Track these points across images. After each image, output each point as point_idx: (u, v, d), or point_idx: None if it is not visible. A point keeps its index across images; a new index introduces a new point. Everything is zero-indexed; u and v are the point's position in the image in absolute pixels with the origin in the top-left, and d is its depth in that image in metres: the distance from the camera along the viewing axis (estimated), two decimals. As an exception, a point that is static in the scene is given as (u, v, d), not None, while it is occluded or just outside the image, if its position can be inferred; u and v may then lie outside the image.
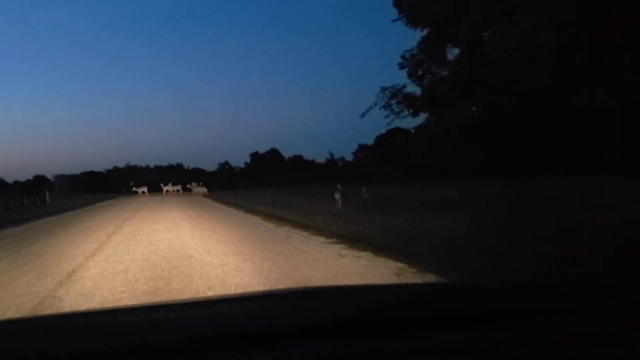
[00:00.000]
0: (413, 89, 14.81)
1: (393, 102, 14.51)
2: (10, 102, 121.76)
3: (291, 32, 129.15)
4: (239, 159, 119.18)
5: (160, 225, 12.90)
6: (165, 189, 48.63)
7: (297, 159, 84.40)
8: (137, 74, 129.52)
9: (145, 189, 48.98)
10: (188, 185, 50.85)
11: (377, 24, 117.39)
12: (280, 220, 13.73)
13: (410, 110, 14.54)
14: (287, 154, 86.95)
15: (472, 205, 14.82)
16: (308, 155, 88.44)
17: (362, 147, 77.95)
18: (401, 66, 14.36)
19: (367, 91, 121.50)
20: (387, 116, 15.01)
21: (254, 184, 62.33)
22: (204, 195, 46.25)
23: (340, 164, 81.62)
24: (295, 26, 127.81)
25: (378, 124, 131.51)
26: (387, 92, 14.59)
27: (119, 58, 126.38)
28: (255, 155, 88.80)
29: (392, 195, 22.88)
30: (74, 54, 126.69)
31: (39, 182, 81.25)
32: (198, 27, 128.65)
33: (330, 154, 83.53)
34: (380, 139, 66.19)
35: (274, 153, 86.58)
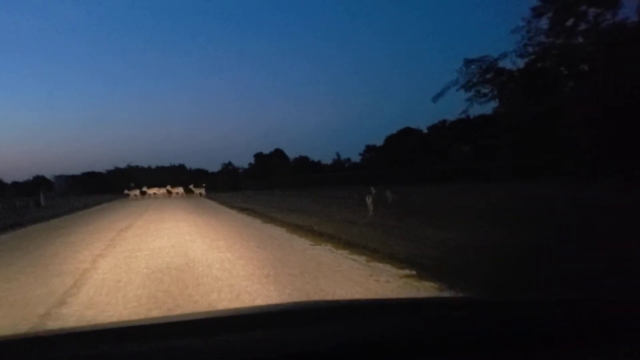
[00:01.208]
0: (506, 63, 11.43)
1: (477, 79, 11.47)
2: (12, 101, 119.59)
3: (298, 32, 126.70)
4: (243, 160, 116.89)
5: (164, 241, 10.22)
6: (150, 192, 45.54)
7: (303, 160, 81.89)
8: (141, 73, 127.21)
9: (137, 192, 46.15)
10: (167, 188, 48.45)
11: (384, 24, 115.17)
12: (311, 233, 11.08)
13: (494, 92, 11.42)
14: (292, 154, 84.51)
15: (532, 211, 12.17)
16: (314, 157, 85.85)
17: (369, 148, 75.41)
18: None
19: (375, 90, 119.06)
20: (469, 99, 11.90)
21: (259, 185, 59.95)
22: (201, 195, 44.03)
23: (347, 165, 79.28)
24: (302, 26, 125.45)
25: (386, 123, 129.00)
26: (472, 67, 11.60)
27: (122, 58, 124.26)
28: (259, 156, 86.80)
29: (419, 200, 20.25)
30: (77, 53, 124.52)
31: (38, 183, 79.33)
32: (202, 27, 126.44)
33: (337, 155, 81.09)
34: (390, 139, 63.48)
35: (278, 154, 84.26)
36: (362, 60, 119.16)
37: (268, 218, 15.64)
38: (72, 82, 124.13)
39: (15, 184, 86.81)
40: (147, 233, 12.11)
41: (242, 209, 21.46)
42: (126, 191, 46.39)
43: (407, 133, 58.41)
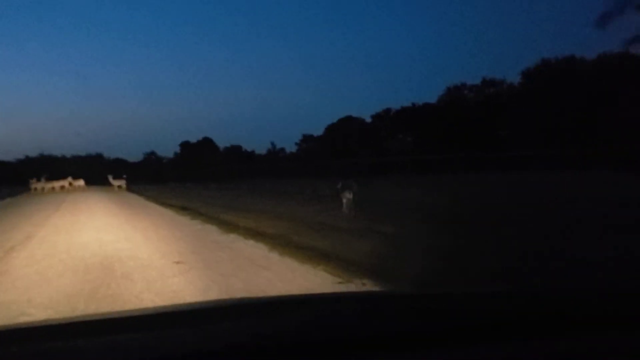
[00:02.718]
0: None
1: None
2: None
3: (227, 14, 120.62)
4: (168, 149, 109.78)
5: (78, 279, 6.18)
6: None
7: (235, 150, 77.14)
8: (52, 54, 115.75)
9: (51, 185, 39.47)
10: (69, 180, 41.98)
11: (322, 6, 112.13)
12: (303, 251, 7.63)
13: None
14: (222, 143, 79.49)
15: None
16: (247, 146, 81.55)
17: (307, 138, 72.23)
18: None
19: (311, 76, 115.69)
20: None
21: (187, 177, 54.84)
22: (120, 188, 38.74)
23: (281, 155, 75.81)
24: (233, 7, 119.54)
25: (326, 112, 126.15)
26: None
27: (27, 37, 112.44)
28: (185, 145, 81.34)
29: (387, 196, 17.19)
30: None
31: None
32: (116, 11, 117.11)
33: (272, 144, 77.16)
34: (330, 128, 60.36)
35: (207, 142, 79.22)
36: (299, 44, 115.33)
37: (224, 224, 11.83)
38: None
39: None
40: (52, 255, 7.93)
41: (180, 209, 17.34)
42: (30, 182, 38.83)
43: (348, 122, 55.64)
